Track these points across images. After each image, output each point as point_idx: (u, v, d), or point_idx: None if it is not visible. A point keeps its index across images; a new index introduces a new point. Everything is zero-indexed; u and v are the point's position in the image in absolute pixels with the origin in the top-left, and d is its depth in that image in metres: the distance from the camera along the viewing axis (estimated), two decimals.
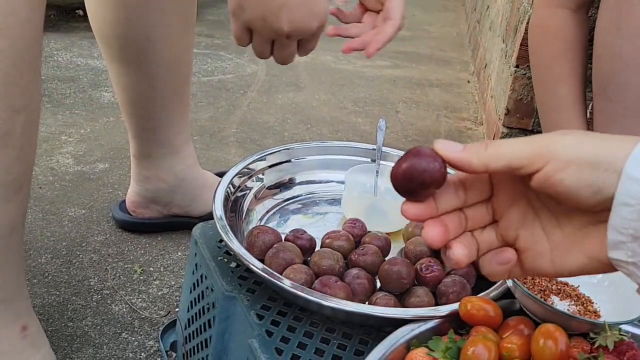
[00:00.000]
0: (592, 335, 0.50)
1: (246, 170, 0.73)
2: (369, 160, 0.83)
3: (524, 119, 1.33)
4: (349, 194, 0.77)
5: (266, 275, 0.58)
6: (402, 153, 0.85)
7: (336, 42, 2.49)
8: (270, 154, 0.77)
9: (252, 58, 2.18)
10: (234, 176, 0.71)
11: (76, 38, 2.11)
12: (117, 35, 0.88)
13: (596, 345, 0.49)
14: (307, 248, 0.67)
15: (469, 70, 2.29)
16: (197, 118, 1.57)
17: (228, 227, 0.63)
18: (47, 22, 2.40)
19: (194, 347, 0.70)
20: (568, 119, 0.94)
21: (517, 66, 1.30)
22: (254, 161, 0.75)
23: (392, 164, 0.89)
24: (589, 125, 0.95)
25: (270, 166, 0.76)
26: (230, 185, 0.70)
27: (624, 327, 0.56)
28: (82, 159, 1.28)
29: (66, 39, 2.09)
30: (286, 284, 0.58)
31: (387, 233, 0.73)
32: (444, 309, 0.56)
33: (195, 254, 0.70)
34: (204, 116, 1.59)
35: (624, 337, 0.49)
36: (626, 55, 0.84)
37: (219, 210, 0.65)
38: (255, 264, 0.59)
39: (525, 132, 1.34)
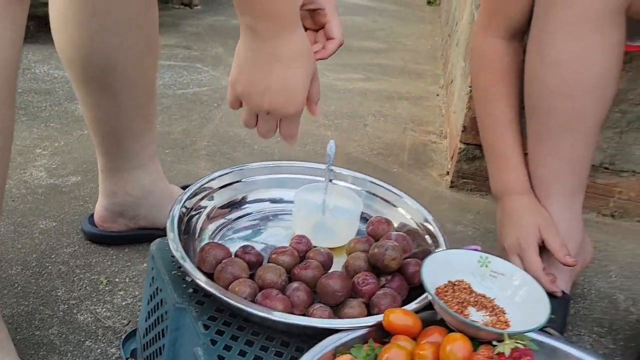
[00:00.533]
0: (494, 343, 0.57)
1: (199, 191, 0.79)
2: (320, 179, 0.89)
3: (479, 135, 1.41)
4: (297, 212, 0.83)
5: (210, 289, 0.64)
6: (350, 172, 0.92)
7: None
8: (223, 174, 0.83)
9: (229, 71, 2.24)
10: (187, 198, 0.77)
11: (54, 50, 2.14)
12: (80, 57, 0.93)
13: (496, 352, 0.56)
14: (254, 263, 0.73)
15: (439, 83, 2.37)
16: (170, 131, 1.62)
17: (180, 244, 0.69)
18: (26, 34, 2.42)
19: (150, 355, 0.75)
20: (503, 138, 1.01)
21: (471, 86, 1.37)
22: (207, 182, 0.81)
23: (342, 183, 0.94)
24: (524, 142, 1.02)
25: (222, 187, 0.82)
26: (184, 207, 0.75)
27: (533, 335, 0.62)
28: (55, 172, 1.33)
29: (44, 50, 2.14)
30: (229, 298, 0.63)
31: (332, 248, 0.79)
32: (371, 320, 0.62)
33: (152, 268, 0.75)
34: (177, 129, 1.64)
35: (520, 345, 0.55)
36: (550, 83, 0.91)
37: (171, 230, 0.71)
38: (201, 279, 0.65)
39: (479, 147, 1.42)
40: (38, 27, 2.36)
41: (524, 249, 0.95)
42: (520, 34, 1.01)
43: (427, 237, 0.81)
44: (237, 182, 0.84)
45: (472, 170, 1.46)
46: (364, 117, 1.92)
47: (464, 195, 1.47)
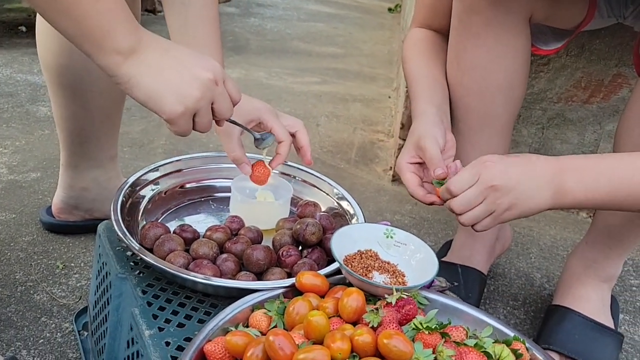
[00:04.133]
0: (386, 296, 0.67)
1: (142, 180, 0.88)
2: None
3: None
4: (234, 199, 0.93)
5: (148, 259, 0.73)
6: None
7: (270, 59, 2.67)
8: (163, 165, 0.92)
9: None
10: (129, 185, 0.86)
11: (18, 54, 2.21)
12: (59, 64, 1.02)
13: (386, 303, 0.66)
14: (190, 239, 0.82)
15: (392, 86, 2.49)
16: (129, 131, 1.70)
17: (122, 224, 0.78)
18: None
19: (99, 323, 0.84)
20: (417, 84, 1.02)
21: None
22: (148, 171, 0.90)
23: (274, 171, 1.03)
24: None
25: (163, 175, 0.92)
26: (127, 193, 0.84)
27: (432, 295, 0.73)
28: (15, 168, 1.40)
29: (8, 55, 2.19)
30: (164, 266, 0.73)
31: (267, 230, 0.89)
32: (286, 282, 0.72)
33: (99, 245, 0.84)
34: (136, 129, 1.73)
35: (404, 296, 0.66)
36: (466, 85, 1.02)
37: (115, 212, 0.79)
38: (140, 251, 0.74)
39: None
40: (2, 32, 2.42)
41: (399, 171, 0.93)
42: (445, 31, 1.09)
43: (348, 217, 0.92)
44: (178, 171, 0.94)
45: None
46: (317, 117, 2.03)
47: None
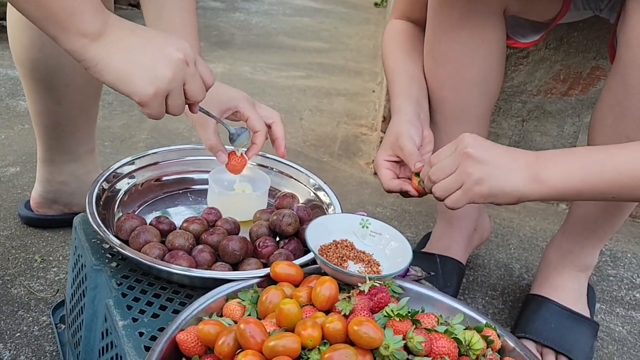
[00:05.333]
0: (359, 284, 0.68)
1: (118, 172, 0.88)
2: None
3: None
4: (212, 191, 0.93)
5: (122, 250, 0.73)
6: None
7: (255, 54, 2.66)
8: (139, 158, 0.92)
9: None
10: (104, 179, 0.85)
11: None
12: (30, 58, 1.00)
13: (358, 291, 0.67)
14: (166, 230, 0.82)
15: (376, 80, 2.50)
16: (110, 125, 1.69)
17: (97, 215, 0.78)
18: None
19: (75, 315, 0.84)
20: (395, 80, 1.05)
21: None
22: (124, 164, 0.90)
23: (252, 163, 1.03)
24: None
25: (139, 168, 0.91)
26: (102, 185, 0.84)
27: (407, 285, 0.74)
28: None
29: None
30: (139, 257, 0.73)
31: (243, 221, 0.89)
32: (261, 272, 0.73)
33: (75, 238, 0.84)
34: (117, 124, 1.72)
35: (377, 285, 0.67)
36: (440, 77, 1.02)
37: (89, 204, 0.79)
38: (115, 242, 0.74)
39: None
40: None
41: (376, 167, 0.97)
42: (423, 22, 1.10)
43: (324, 207, 0.92)
44: (155, 163, 0.94)
45: None
46: (300, 111, 2.03)
47: None
